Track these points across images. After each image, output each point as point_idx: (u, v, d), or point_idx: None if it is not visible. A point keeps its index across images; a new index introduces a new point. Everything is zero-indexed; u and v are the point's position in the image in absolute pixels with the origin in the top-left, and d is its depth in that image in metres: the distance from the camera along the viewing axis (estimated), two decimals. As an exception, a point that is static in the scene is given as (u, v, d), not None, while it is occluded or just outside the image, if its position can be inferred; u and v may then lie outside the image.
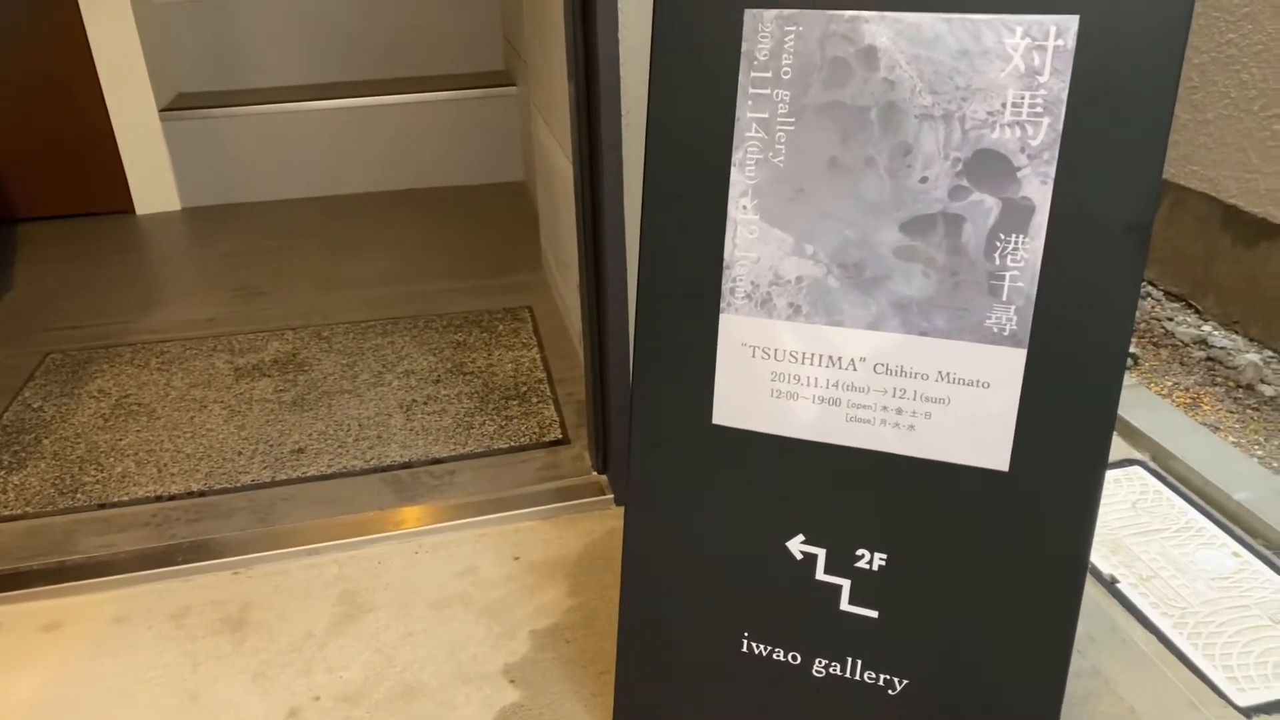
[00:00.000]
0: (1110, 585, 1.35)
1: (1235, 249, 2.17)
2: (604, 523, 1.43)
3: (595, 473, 1.52)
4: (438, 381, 1.82)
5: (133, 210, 2.80)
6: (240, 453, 1.60)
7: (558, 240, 2.01)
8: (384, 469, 1.55)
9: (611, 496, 1.47)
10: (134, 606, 1.30)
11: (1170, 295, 2.33)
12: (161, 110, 2.73)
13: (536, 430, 1.64)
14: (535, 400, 1.74)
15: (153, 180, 2.79)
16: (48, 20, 2.57)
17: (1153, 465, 1.65)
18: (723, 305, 0.92)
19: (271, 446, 1.62)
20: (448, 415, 1.70)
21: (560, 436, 1.62)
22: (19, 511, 1.47)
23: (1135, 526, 1.49)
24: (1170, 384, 2.05)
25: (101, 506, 1.48)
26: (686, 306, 0.94)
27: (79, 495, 1.51)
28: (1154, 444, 1.67)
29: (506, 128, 2.95)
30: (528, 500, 1.47)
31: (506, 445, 1.60)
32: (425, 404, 1.74)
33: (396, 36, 3.05)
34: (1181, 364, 2.11)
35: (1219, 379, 2.04)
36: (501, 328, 2.03)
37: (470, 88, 2.90)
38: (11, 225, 2.72)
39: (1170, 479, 1.61)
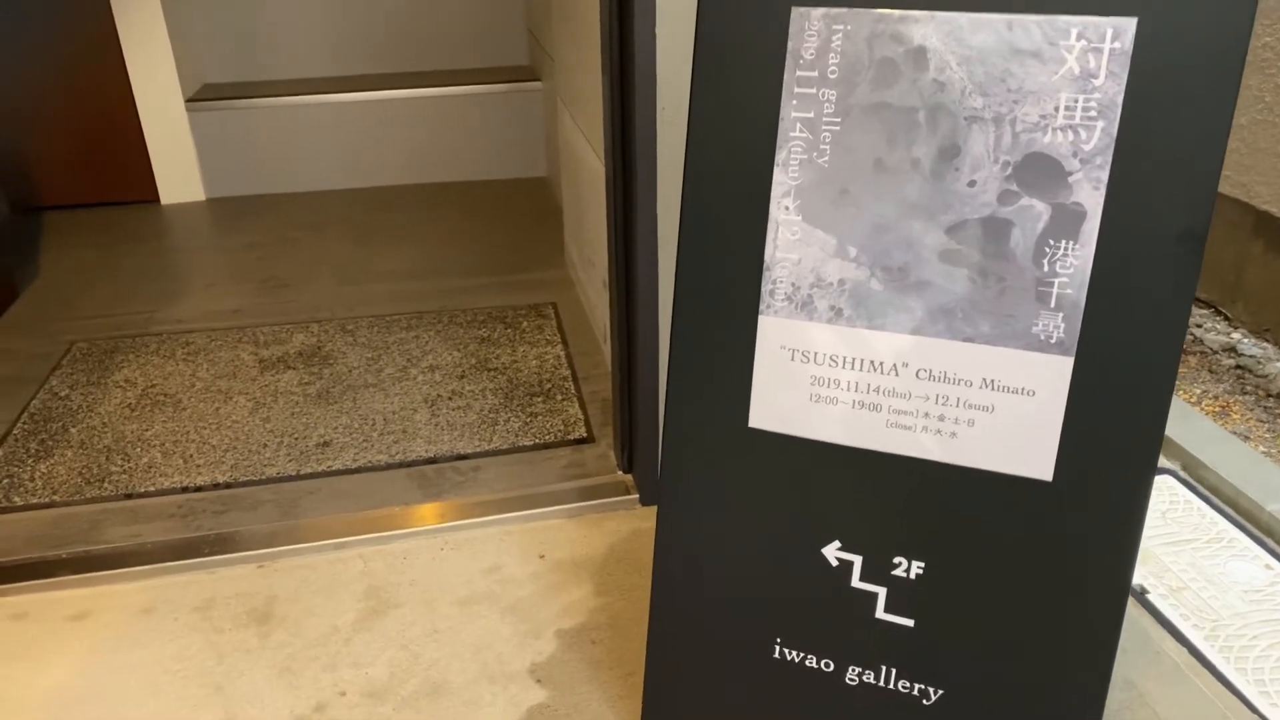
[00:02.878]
0: (1141, 596, 1.33)
1: (1267, 256, 2.14)
2: (629, 522, 1.43)
3: (620, 472, 1.52)
4: (462, 377, 1.81)
5: (158, 200, 2.81)
6: (265, 445, 1.61)
7: (583, 237, 2.00)
8: (409, 464, 1.55)
9: (637, 496, 1.46)
10: (160, 597, 1.31)
11: (1199, 302, 2.30)
12: (188, 101, 2.74)
13: (561, 428, 1.64)
14: (560, 398, 1.73)
15: (178, 170, 2.79)
16: (76, 10, 2.58)
17: (1183, 475, 1.63)
18: (762, 307, 0.91)
19: (297, 440, 1.62)
20: (472, 411, 1.69)
21: (585, 435, 1.62)
22: (46, 500, 1.48)
23: (1166, 536, 1.47)
24: (1199, 391, 2.02)
25: (128, 496, 1.49)
26: (725, 308, 0.93)
27: (106, 485, 1.51)
28: (1184, 453, 1.65)
29: (530, 123, 2.94)
30: (553, 498, 1.46)
31: (531, 442, 1.60)
32: (450, 399, 1.73)
33: (421, 30, 3.04)
34: (1210, 371, 2.09)
35: (1249, 387, 2.02)
36: (525, 324, 2.02)
37: (494, 82, 2.89)
38: (38, 213, 2.73)
39: (1201, 489, 1.59)
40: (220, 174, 2.83)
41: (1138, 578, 1.36)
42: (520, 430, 1.63)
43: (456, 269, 2.31)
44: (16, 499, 1.48)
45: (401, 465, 1.55)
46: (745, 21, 0.87)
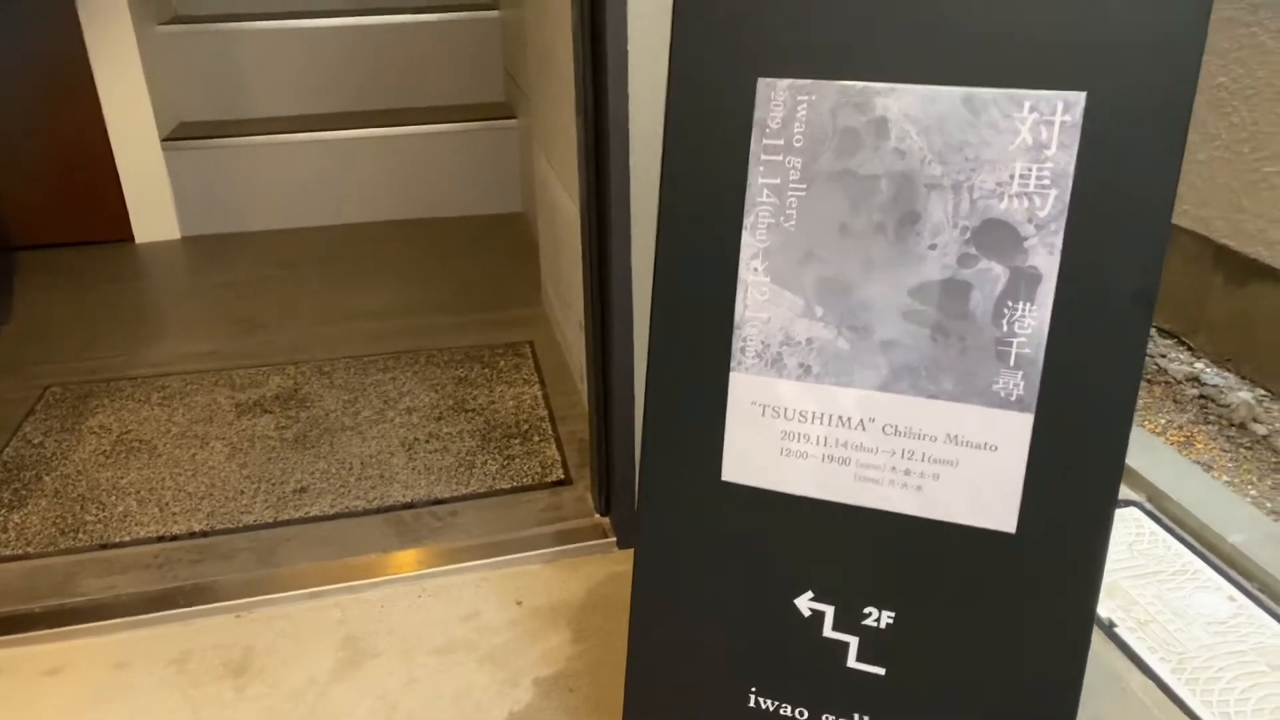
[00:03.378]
0: (1109, 629, 1.36)
1: (1227, 287, 2.20)
2: (607, 566, 1.44)
3: (598, 515, 1.53)
4: (439, 419, 1.82)
5: (132, 239, 2.80)
6: (242, 492, 1.61)
7: (559, 276, 2.03)
8: (386, 509, 1.56)
9: (614, 539, 1.48)
10: (136, 651, 1.30)
11: (1163, 332, 2.36)
12: (163, 140, 2.74)
13: (539, 470, 1.65)
14: (537, 439, 1.74)
15: (153, 209, 2.79)
16: (51, 48, 2.58)
17: (1149, 506, 1.66)
18: (733, 364, 0.94)
19: (274, 485, 1.62)
20: (449, 454, 1.70)
21: (562, 477, 1.63)
22: (20, 552, 1.47)
23: (1133, 569, 1.51)
24: (1164, 421, 2.07)
25: (103, 547, 1.48)
26: (697, 364, 0.95)
27: (80, 535, 1.50)
28: (1149, 484, 1.69)
29: (506, 159, 2.97)
30: (530, 543, 1.47)
31: (508, 485, 1.61)
32: (427, 442, 1.74)
33: (397, 67, 3.07)
34: (1175, 401, 2.14)
35: (1212, 417, 2.07)
36: (503, 363, 2.03)
37: (470, 120, 2.92)
38: (9, 254, 2.71)
39: (1166, 520, 1.62)
40: (196, 213, 2.84)
41: (1106, 611, 1.39)
42: (498, 473, 1.64)
43: (433, 307, 2.32)
44: (-11, 551, 1.47)
45: (379, 511, 1.55)
46: (714, 91, 0.90)
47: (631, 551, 1.47)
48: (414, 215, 2.99)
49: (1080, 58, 0.80)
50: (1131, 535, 1.59)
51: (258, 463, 1.69)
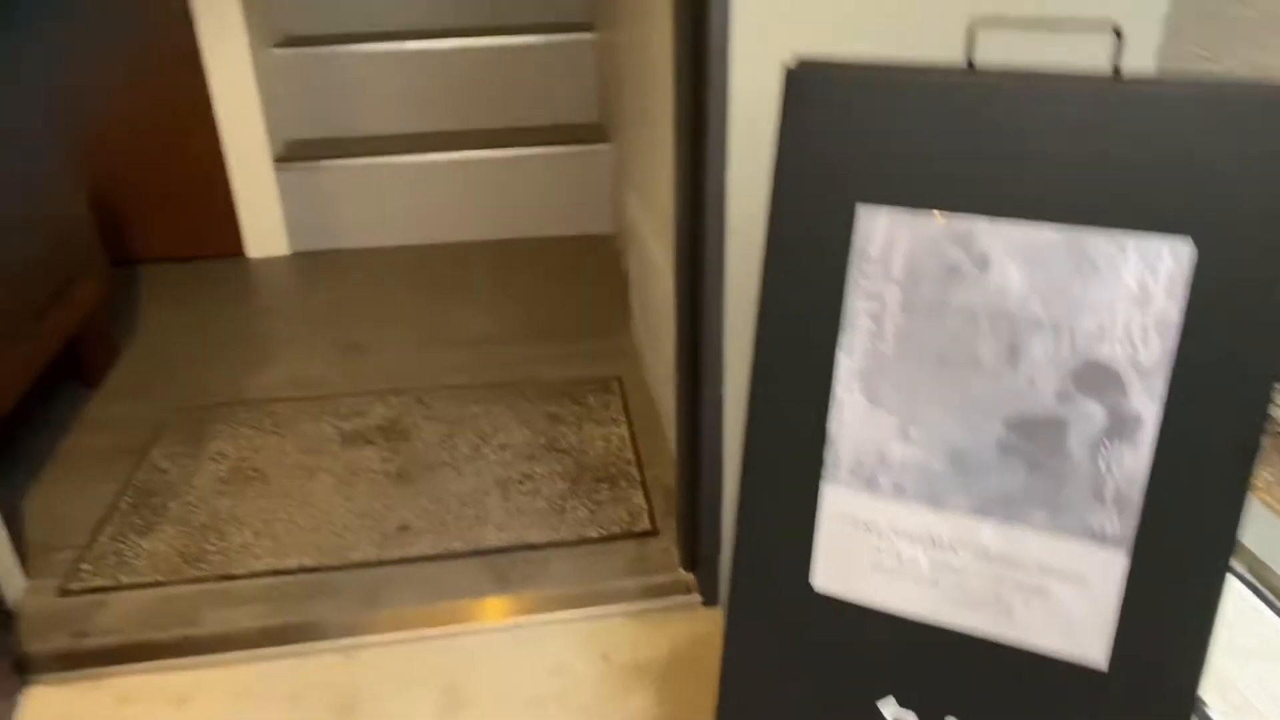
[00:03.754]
0: (1201, 711, 1.34)
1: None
2: (691, 625, 1.48)
3: (683, 570, 1.57)
4: (531, 458, 1.89)
5: (244, 254, 2.96)
6: (348, 527, 1.70)
7: (647, 315, 2.07)
8: (482, 553, 1.63)
9: (699, 597, 1.52)
10: (254, 684, 1.41)
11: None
12: (275, 160, 2.88)
13: (626, 518, 1.70)
14: (624, 484, 1.80)
15: (264, 226, 2.94)
16: (171, 72, 2.73)
17: (1249, 578, 1.62)
18: (826, 475, 0.96)
19: (377, 522, 1.71)
20: (541, 496, 1.77)
21: (649, 527, 1.68)
22: (151, 579, 1.59)
23: (1231, 646, 1.47)
24: (1267, 477, 2.00)
25: (223, 578, 1.60)
26: (791, 473, 0.98)
27: (203, 565, 1.62)
28: (1250, 554, 1.65)
29: (597, 180, 3.02)
30: (616, 595, 1.53)
31: (597, 534, 1.67)
32: (520, 483, 1.81)
33: (495, 86, 3.14)
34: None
35: (1321, 479, 1.98)
36: (592, 400, 2.09)
37: (565, 143, 2.98)
38: (132, 267, 2.89)
39: (1269, 595, 1.58)
40: (303, 229, 2.97)
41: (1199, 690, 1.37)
42: (587, 520, 1.70)
43: (526, 335, 2.39)
44: (124, 578, 1.60)
45: (475, 554, 1.63)
46: (815, 213, 0.92)
47: (716, 611, 1.52)
48: (507, 234, 3.06)
49: (1188, 202, 0.80)
50: (1231, 610, 1.55)
51: (363, 497, 1.78)
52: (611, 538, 1.66)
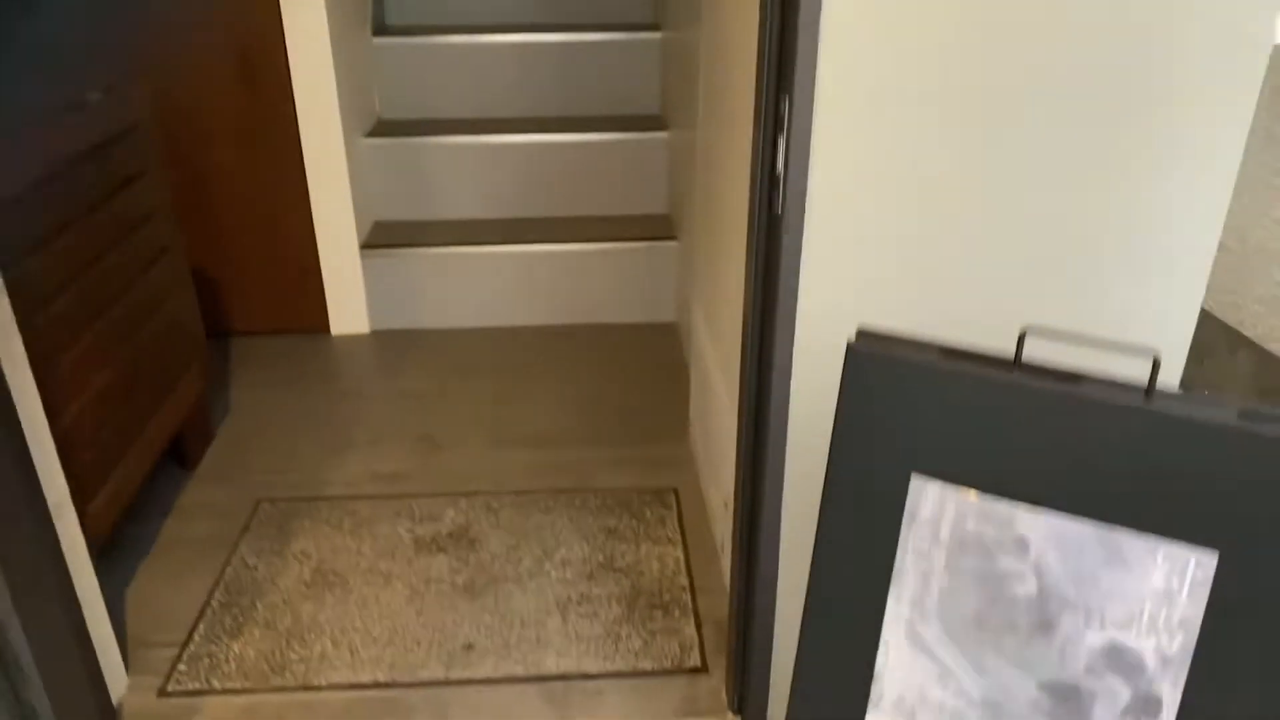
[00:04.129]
0: None
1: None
2: (736, 774, 1.57)
3: (731, 713, 1.67)
4: (590, 577, 2.00)
5: (328, 330, 3.14)
6: (419, 642, 1.83)
7: (707, 430, 2.18)
8: (542, 679, 1.74)
9: (744, 745, 1.61)
10: (330, 802, 1.53)
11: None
12: (362, 246, 3.06)
13: (677, 652, 1.80)
14: (677, 613, 1.90)
15: (347, 305, 3.12)
16: (274, 158, 2.93)
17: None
18: (871, 705, 1.05)
19: (446, 638, 1.84)
20: (598, 621, 1.88)
21: (699, 663, 1.78)
22: (240, 686, 1.74)
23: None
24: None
25: (305, 688, 1.73)
26: (840, 703, 1.07)
27: (287, 674, 1.76)
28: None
29: (664, 271, 3.14)
30: (668, 735, 1.62)
31: (650, 666, 1.77)
32: (579, 604, 1.92)
33: (570, 178, 3.29)
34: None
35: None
36: (649, 514, 2.20)
37: (635, 238, 3.11)
38: (226, 338, 3.09)
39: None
40: (384, 309, 3.14)
41: None
42: (640, 651, 1.80)
43: (589, 434, 2.52)
44: (215, 682, 1.75)
45: (535, 679, 1.74)
46: (872, 475, 1.02)
47: (759, 762, 1.61)
48: (576, 319, 3.20)
49: (1216, 517, 0.88)
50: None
51: (433, 610, 1.91)
52: (664, 672, 1.76)
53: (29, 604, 1.41)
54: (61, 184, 1.77)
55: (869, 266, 1.27)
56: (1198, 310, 1.31)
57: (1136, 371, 0.91)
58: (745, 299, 1.39)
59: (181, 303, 2.30)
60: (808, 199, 1.24)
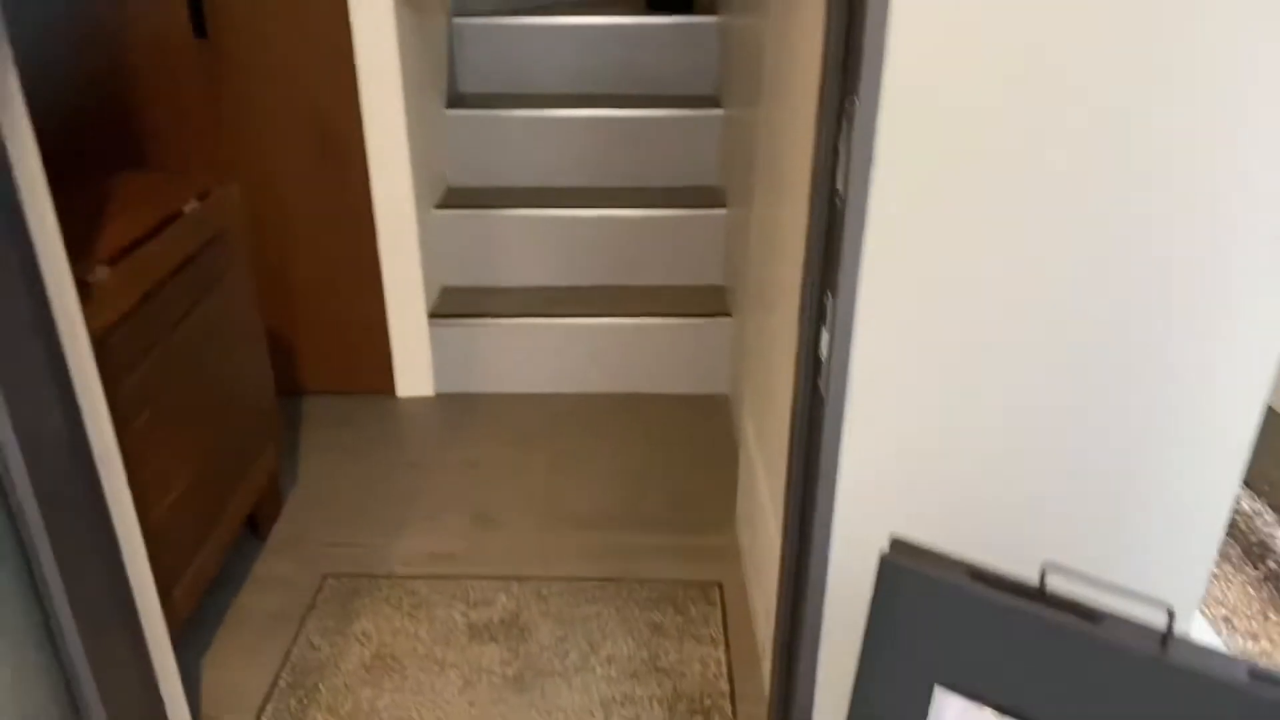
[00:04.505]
0: None
1: None
2: None
3: (762, 834, 1.73)
4: (634, 675, 2.08)
5: (394, 392, 3.28)
6: (469, 737, 1.93)
7: (752, 525, 2.24)
8: (583, 784, 1.83)
9: None
10: None
11: None
12: (430, 315, 3.19)
13: (715, 764, 1.87)
14: (717, 721, 1.97)
15: (414, 369, 3.25)
16: (348, 231, 3.08)
17: None
18: None
19: (494, 734, 1.94)
20: (640, 725, 1.96)
21: (735, 779, 1.85)
22: (303, 773, 1.86)
23: None
24: None
25: (362, 779, 1.85)
26: None
27: (346, 762, 1.88)
28: None
29: (719, 346, 3.22)
30: None
31: (688, 778, 1.84)
32: (622, 705, 2.01)
33: (629, 250, 3.39)
34: None
35: None
36: (693, 610, 2.27)
37: (691, 314, 3.19)
38: (297, 398, 3.25)
39: None
40: (448, 373, 3.28)
41: None
42: (680, 760, 1.88)
43: (638, 518, 2.60)
44: (281, 768, 1.88)
45: (577, 784, 1.83)
46: (896, 683, 1.08)
47: None
48: (628, 389, 3.29)
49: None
50: None
51: (483, 703, 2.02)
52: (700, 784, 1.83)
53: (111, 690, 1.54)
54: (160, 297, 1.92)
55: (909, 454, 1.33)
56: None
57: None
58: (787, 473, 1.46)
59: (261, 389, 2.44)
60: (849, 381, 1.31)
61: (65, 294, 1.42)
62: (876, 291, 1.25)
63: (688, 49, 3.69)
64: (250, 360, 2.38)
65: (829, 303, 1.27)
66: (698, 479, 2.79)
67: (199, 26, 2.84)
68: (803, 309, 1.36)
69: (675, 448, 2.95)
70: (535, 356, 3.27)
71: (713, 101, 3.59)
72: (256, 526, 2.55)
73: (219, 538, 2.16)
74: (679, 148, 3.53)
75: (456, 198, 3.45)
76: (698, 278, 3.43)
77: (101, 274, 1.71)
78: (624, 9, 3.81)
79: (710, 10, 3.73)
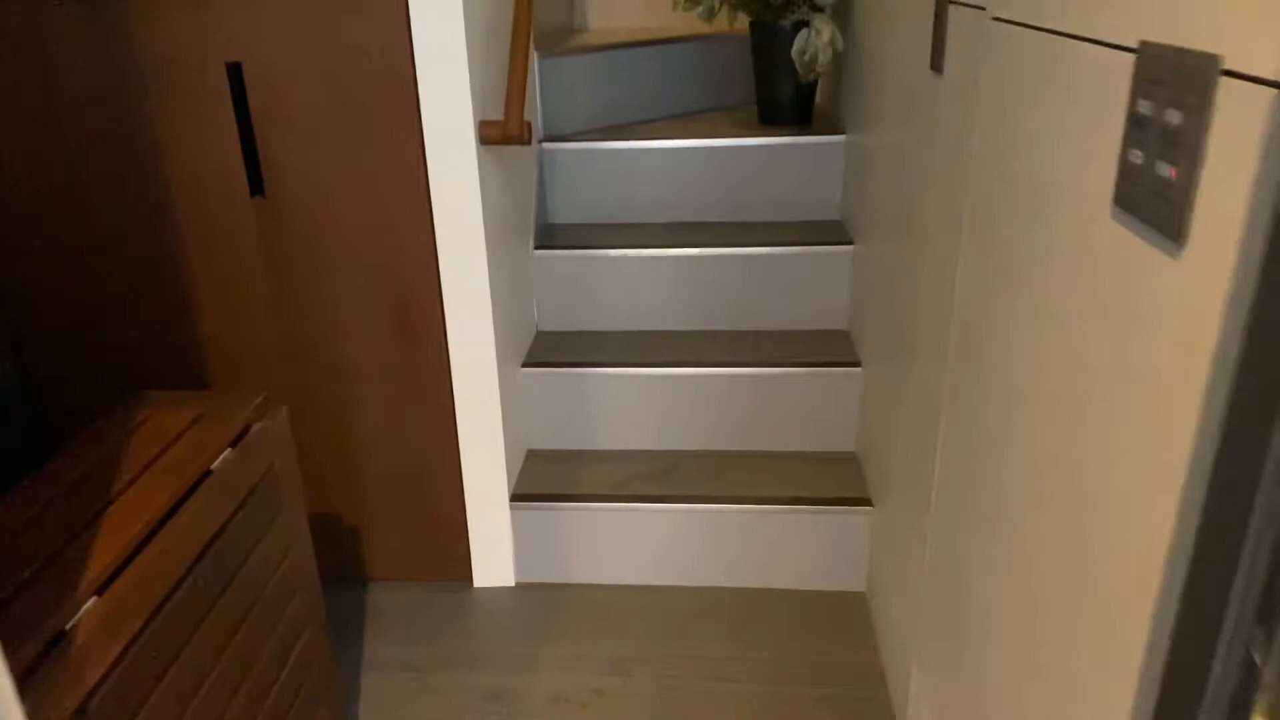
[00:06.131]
0: None
1: None
2: None
3: None
4: None
5: (471, 581, 2.83)
6: None
7: None
8: None
9: None
10: None
11: None
12: (512, 499, 2.74)
13: None
14: None
15: (493, 558, 2.80)
16: (423, 408, 2.66)
17: None
18: None
19: None
20: None
21: None
22: None
23: None
24: None
25: None
26: None
27: None
28: None
29: (854, 537, 2.68)
30: None
31: None
32: None
33: (745, 417, 2.89)
34: None
35: None
36: None
37: (822, 503, 2.67)
38: (364, 586, 2.83)
39: None
40: (531, 563, 2.82)
41: None
42: None
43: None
44: None
45: None
46: None
47: None
48: (743, 584, 2.77)
49: None
50: None
51: None
52: None
53: None
54: (174, 602, 1.50)
55: None
56: None
57: None
58: None
59: (317, 641, 2.01)
60: None
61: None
62: None
63: (808, 169, 3.20)
64: (305, 609, 1.95)
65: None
66: (827, 703, 2.25)
67: (255, 182, 2.47)
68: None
69: (803, 667, 2.41)
70: (631, 547, 2.78)
71: (839, 230, 3.09)
72: (306, 796, 2.11)
73: None
74: (803, 288, 3.03)
75: (547, 348, 3.01)
76: (829, 442, 2.91)
77: (84, 613, 1.28)
78: (736, 126, 3.36)
79: (833, 129, 3.25)
